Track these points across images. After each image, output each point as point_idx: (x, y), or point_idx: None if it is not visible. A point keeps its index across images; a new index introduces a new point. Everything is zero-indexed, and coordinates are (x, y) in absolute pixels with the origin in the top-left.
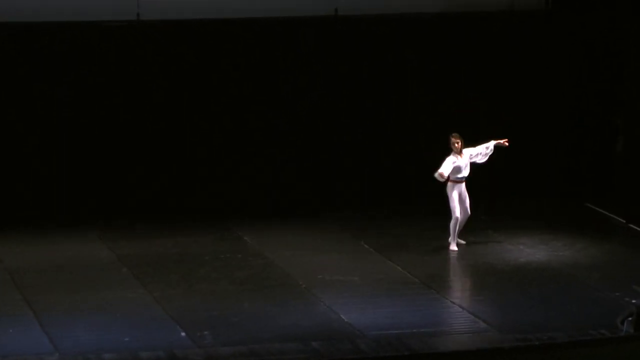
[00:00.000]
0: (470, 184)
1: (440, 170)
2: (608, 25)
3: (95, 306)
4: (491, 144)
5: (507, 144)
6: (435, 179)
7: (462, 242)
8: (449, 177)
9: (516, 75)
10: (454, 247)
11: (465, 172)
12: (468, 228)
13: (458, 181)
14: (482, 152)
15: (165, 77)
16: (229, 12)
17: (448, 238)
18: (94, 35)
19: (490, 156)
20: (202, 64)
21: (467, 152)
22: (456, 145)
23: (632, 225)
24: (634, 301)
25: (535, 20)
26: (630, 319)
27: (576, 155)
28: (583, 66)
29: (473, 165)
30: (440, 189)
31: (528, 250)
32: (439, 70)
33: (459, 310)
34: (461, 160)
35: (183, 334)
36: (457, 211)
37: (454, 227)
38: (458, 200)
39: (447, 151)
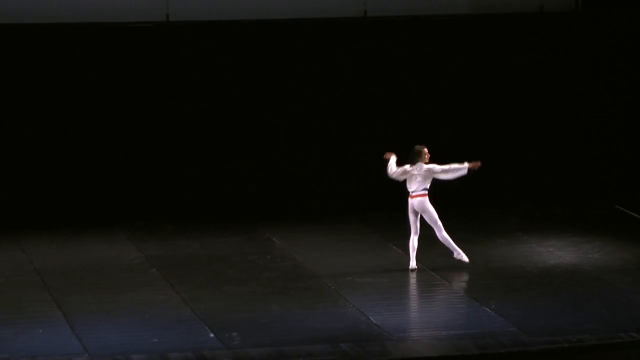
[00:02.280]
0: (498, 187)
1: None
2: (639, 25)
3: (124, 307)
4: (464, 166)
5: (478, 166)
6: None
7: (415, 267)
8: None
9: (546, 77)
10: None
11: (415, 187)
12: (497, 230)
13: (409, 194)
14: (447, 169)
15: (194, 77)
16: (257, 13)
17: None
18: (124, 36)
19: (522, 160)
20: (230, 64)
21: (430, 166)
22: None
23: None
24: None
25: (565, 21)
26: None
27: (607, 157)
28: (614, 67)
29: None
30: (470, 192)
31: (558, 252)
32: (470, 71)
33: (488, 312)
34: (415, 171)
35: (212, 335)
36: (411, 228)
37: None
38: (409, 215)
39: (471, 152)
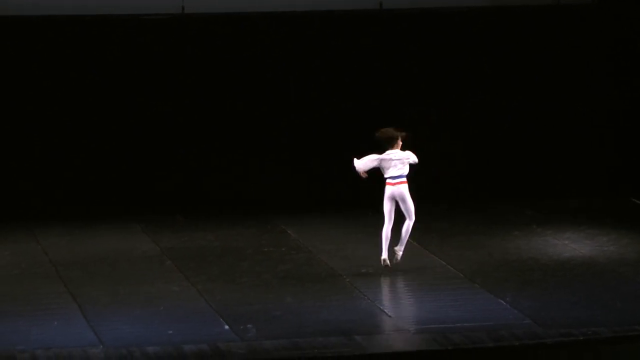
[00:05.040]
0: (513, 180)
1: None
2: None
3: (139, 299)
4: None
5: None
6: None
7: (397, 254)
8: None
9: (561, 70)
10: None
11: (394, 172)
12: (512, 222)
13: (387, 182)
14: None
15: (209, 70)
16: (273, 5)
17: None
18: (138, 28)
19: (537, 153)
20: (245, 56)
21: (408, 153)
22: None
23: None
24: None
25: (581, 13)
26: None
27: (623, 150)
28: (631, 60)
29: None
30: (485, 185)
31: (573, 245)
32: (485, 64)
33: (502, 304)
34: (393, 156)
35: (226, 327)
36: (385, 218)
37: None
38: (387, 204)
39: (485, 145)
